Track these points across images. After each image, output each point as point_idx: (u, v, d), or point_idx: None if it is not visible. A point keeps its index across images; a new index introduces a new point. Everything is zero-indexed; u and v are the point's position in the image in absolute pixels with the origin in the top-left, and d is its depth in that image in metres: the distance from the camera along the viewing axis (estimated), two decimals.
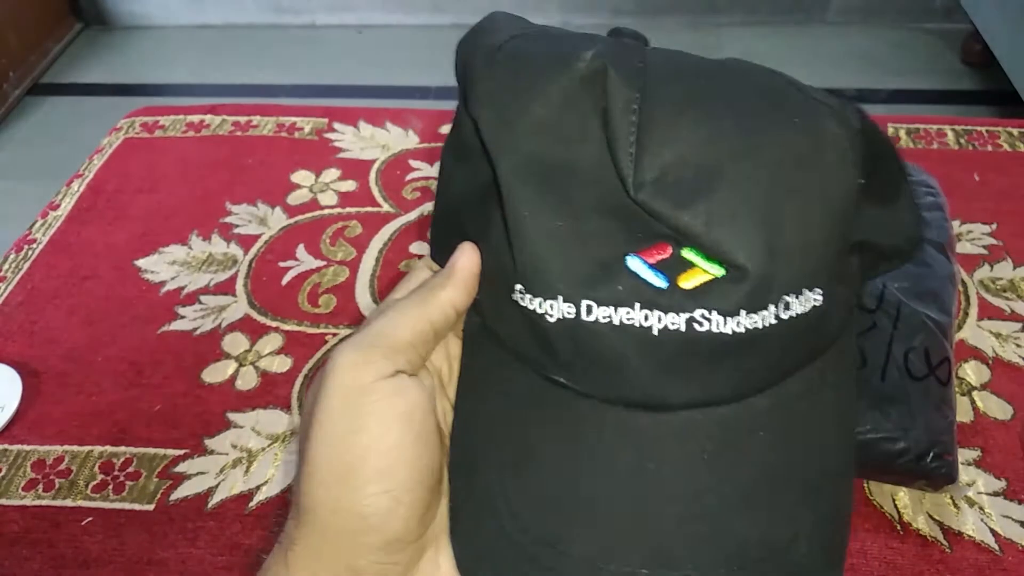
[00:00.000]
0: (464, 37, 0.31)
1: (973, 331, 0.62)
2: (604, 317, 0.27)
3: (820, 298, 0.27)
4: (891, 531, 0.50)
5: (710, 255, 0.26)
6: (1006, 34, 1.41)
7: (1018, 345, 0.61)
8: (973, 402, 0.57)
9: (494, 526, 0.28)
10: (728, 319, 0.26)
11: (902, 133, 0.82)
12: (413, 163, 0.82)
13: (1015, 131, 0.81)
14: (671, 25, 1.83)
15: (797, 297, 0.26)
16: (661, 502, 0.27)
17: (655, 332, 0.26)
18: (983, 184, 0.75)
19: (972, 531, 0.50)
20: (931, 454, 0.48)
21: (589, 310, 0.27)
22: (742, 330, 0.26)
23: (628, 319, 0.26)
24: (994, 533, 0.50)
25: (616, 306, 0.26)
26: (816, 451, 0.29)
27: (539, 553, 0.28)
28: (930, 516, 0.51)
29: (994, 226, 0.71)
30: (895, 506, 0.51)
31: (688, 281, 0.26)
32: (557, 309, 0.27)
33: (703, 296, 0.26)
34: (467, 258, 0.30)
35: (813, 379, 0.29)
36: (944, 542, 0.50)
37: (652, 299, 0.26)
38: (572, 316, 0.27)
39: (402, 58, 1.84)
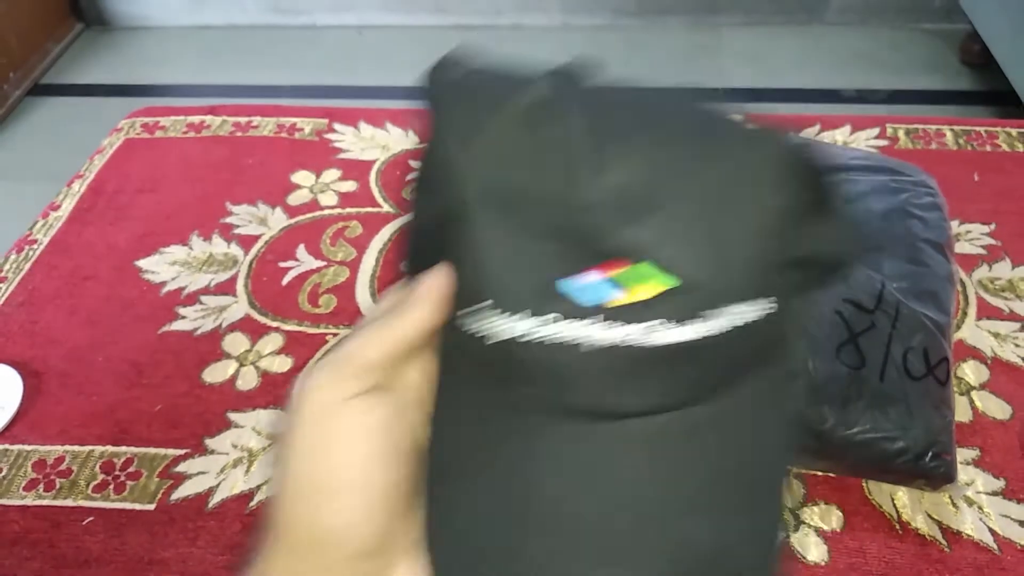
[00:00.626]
0: (428, 72, 0.34)
1: (972, 331, 0.62)
2: (559, 331, 0.29)
3: (764, 309, 0.29)
4: (890, 530, 0.50)
5: (660, 269, 0.28)
6: (1005, 34, 1.42)
7: (1017, 345, 0.61)
8: (972, 402, 0.57)
9: (457, 536, 0.31)
10: (676, 329, 0.28)
11: (901, 133, 0.82)
12: (413, 163, 0.82)
13: (1014, 131, 0.81)
14: (671, 25, 1.83)
15: (743, 308, 0.29)
16: (611, 507, 0.29)
17: (607, 344, 0.28)
18: (982, 184, 0.75)
19: (971, 530, 0.50)
20: (930, 453, 0.49)
21: (546, 324, 0.29)
22: (687, 340, 0.28)
23: (584, 333, 0.28)
24: (992, 532, 0.50)
25: (571, 319, 0.28)
26: (758, 458, 0.31)
27: (496, 559, 0.30)
28: (929, 515, 0.51)
29: (993, 226, 0.71)
30: (894, 505, 0.51)
31: (639, 294, 0.28)
32: (516, 325, 0.29)
33: (653, 308, 0.28)
34: (435, 279, 0.31)
35: (756, 388, 0.31)
36: (943, 541, 0.50)
37: (601, 312, 0.28)
38: (530, 331, 0.29)
39: (402, 58, 1.84)
